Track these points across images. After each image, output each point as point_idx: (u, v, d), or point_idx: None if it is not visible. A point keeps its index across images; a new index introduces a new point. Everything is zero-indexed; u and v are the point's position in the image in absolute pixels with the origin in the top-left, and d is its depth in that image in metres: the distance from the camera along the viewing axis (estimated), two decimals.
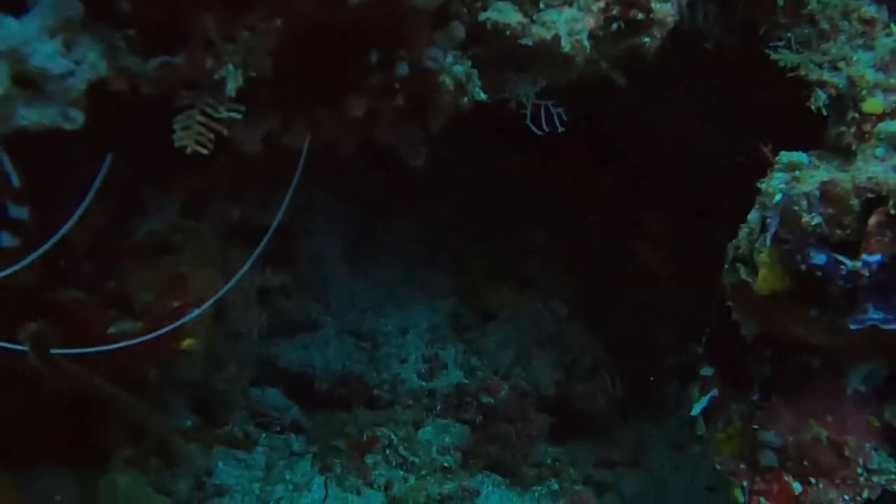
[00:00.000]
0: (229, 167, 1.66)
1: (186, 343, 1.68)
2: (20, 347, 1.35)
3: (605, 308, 3.22)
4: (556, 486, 2.98)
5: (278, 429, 2.75)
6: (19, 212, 1.38)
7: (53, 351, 1.34)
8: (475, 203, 3.14)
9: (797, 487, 2.07)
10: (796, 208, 1.83)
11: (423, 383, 2.90)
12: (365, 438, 2.71)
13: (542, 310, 3.10)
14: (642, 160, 3.05)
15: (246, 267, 1.56)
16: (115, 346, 1.54)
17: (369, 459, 2.70)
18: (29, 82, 1.13)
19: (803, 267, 1.85)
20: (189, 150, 1.25)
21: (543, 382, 2.97)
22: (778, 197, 1.85)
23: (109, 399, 1.59)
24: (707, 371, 2.41)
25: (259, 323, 2.09)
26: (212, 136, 1.26)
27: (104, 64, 1.17)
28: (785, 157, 1.93)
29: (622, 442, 3.16)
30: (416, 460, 2.70)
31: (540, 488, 2.97)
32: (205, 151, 1.25)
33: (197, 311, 1.58)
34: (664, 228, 3.12)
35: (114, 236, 1.61)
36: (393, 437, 2.71)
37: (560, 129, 1.86)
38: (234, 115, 1.27)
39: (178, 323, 1.58)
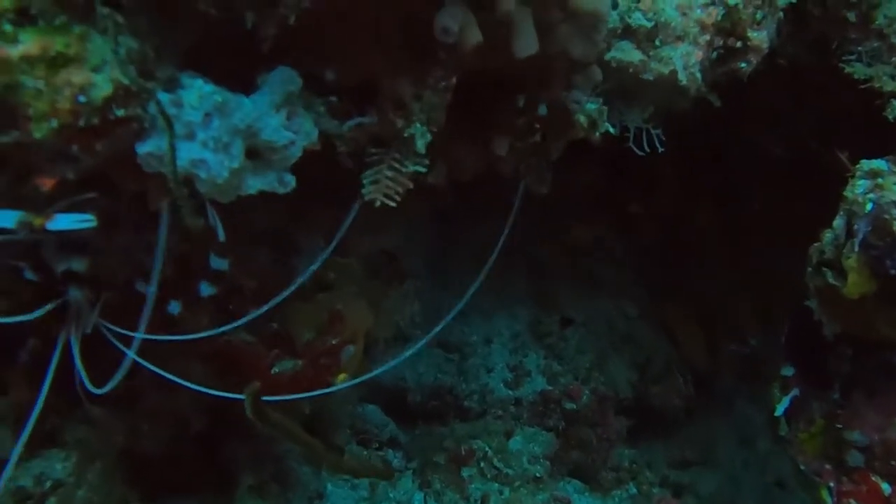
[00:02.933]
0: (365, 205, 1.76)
1: (341, 378, 1.78)
2: (237, 396, 1.45)
3: (669, 306, 3.33)
4: (634, 490, 3.07)
5: (377, 445, 2.83)
6: (220, 263, 1.49)
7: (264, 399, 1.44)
8: (548, 209, 3.24)
9: (886, 488, 2.14)
10: (887, 217, 1.94)
11: (510, 392, 2.99)
12: (463, 452, 2.79)
13: (614, 311, 3.20)
14: (708, 161, 3.15)
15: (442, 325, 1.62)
16: (324, 390, 1.61)
17: (465, 473, 2.79)
18: (256, 153, 1.25)
19: (893, 271, 1.96)
20: (378, 204, 1.37)
21: (620, 385, 3.08)
22: (869, 206, 1.97)
23: (301, 443, 1.69)
24: (788, 371, 2.50)
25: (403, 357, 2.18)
26: (400, 189, 1.37)
27: (316, 132, 1.28)
28: (865, 164, 2.04)
29: (692, 440, 3.26)
30: (510, 472, 2.79)
31: (619, 492, 3.06)
32: (393, 204, 1.37)
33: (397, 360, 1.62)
34: (726, 227, 3.23)
35: (276, 278, 1.71)
36: (487, 449, 2.80)
37: (661, 150, 1.98)
38: (420, 168, 1.39)
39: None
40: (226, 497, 2.28)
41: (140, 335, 1.46)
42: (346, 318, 1.77)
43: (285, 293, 1.54)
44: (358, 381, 1.67)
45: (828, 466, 2.31)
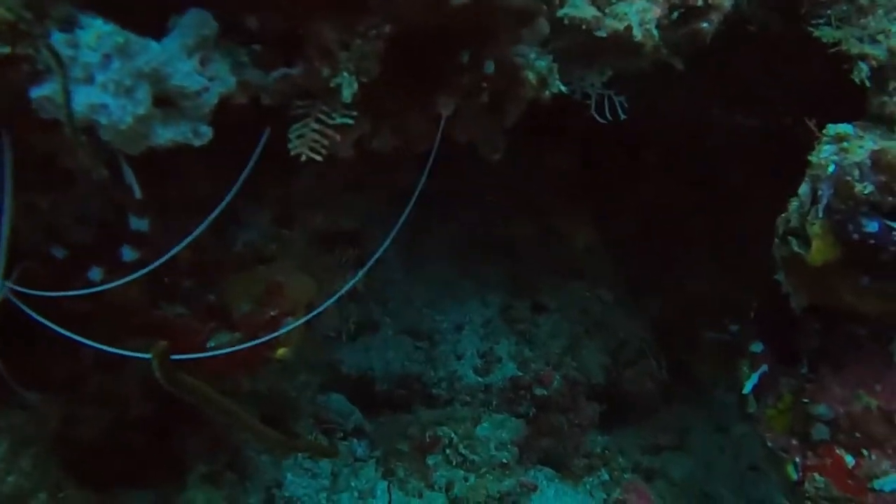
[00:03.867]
0: (315, 175, 1.69)
1: (280, 353, 1.71)
2: (142, 355, 1.37)
3: (647, 292, 3.29)
4: (606, 477, 3.02)
5: (342, 435, 2.76)
6: (140, 224, 1.42)
7: (173, 357, 1.36)
8: (522, 196, 3.20)
9: (850, 460, 2.11)
10: (849, 178, 1.89)
11: (479, 378, 2.94)
12: (427, 439, 2.73)
13: (589, 296, 3.15)
14: (683, 142, 3.12)
15: (358, 277, 1.58)
16: (216, 352, 1.56)
17: (430, 460, 2.73)
18: (166, 101, 1.18)
19: (856, 236, 1.91)
20: (304, 158, 1.30)
21: (593, 370, 3.02)
22: (831, 168, 1.92)
23: (223, 411, 1.61)
24: (757, 347, 2.46)
25: (348, 328, 2.11)
26: (326, 143, 1.31)
27: (233, 79, 1.21)
28: (832, 129, 1.99)
29: (667, 426, 3.22)
30: (476, 458, 2.73)
31: (591, 479, 3.00)
32: (319, 158, 1.30)
33: (299, 321, 1.60)
34: (702, 206, 3.19)
35: (214, 250, 1.64)
36: (453, 435, 2.73)
37: (622, 118, 1.93)
38: (347, 120, 1.32)
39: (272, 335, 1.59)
40: (176, 486, 2.20)
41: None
42: (285, 290, 1.70)
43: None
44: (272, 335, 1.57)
45: (794, 442, 2.28)
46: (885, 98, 2.02)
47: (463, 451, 2.72)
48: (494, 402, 2.89)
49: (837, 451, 2.15)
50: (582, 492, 2.94)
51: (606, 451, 3.06)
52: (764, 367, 2.44)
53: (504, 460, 2.75)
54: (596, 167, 3.32)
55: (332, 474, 2.66)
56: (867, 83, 2.01)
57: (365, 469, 2.71)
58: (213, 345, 1.63)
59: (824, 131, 2.02)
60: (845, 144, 1.98)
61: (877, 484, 2.09)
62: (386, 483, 2.67)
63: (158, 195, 1.40)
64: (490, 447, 2.75)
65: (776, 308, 2.35)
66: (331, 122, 1.31)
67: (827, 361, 2.26)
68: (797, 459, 2.24)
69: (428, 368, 2.95)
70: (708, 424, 3.32)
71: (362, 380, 2.93)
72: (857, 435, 2.12)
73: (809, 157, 2.00)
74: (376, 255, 1.57)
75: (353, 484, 2.66)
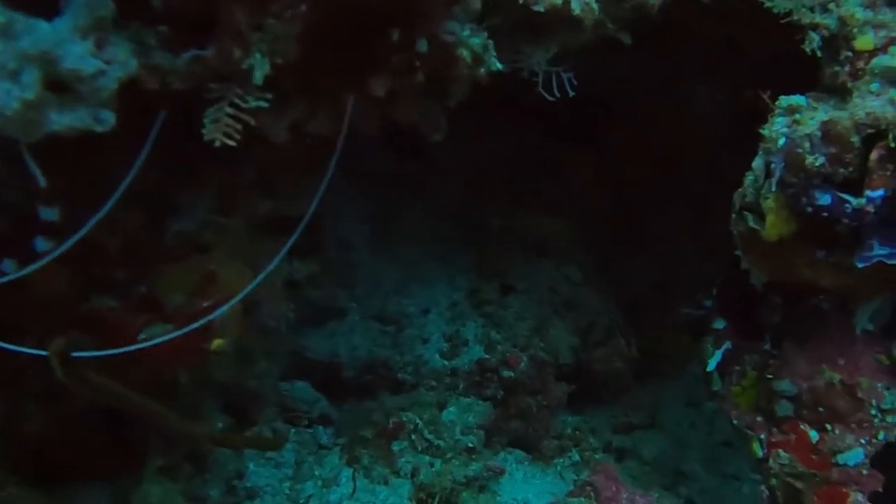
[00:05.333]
0: (259, 161, 1.65)
1: (216, 344, 1.68)
2: (38, 352, 1.32)
3: (617, 269, 3.27)
4: (577, 457, 3.02)
5: (307, 423, 2.74)
6: (49, 213, 1.38)
7: (75, 355, 1.31)
8: (489, 177, 3.17)
9: (814, 436, 2.10)
10: (800, 150, 1.86)
11: (445, 362, 2.91)
12: (391, 425, 2.71)
13: (558, 276, 3.12)
14: (646, 118, 3.09)
15: (275, 263, 1.55)
16: (133, 347, 1.52)
17: (395, 446, 2.71)
18: (62, 86, 1.13)
19: (809, 209, 1.89)
20: (218, 144, 1.26)
21: (561, 350, 3.00)
22: (782, 141, 1.89)
23: (136, 408, 1.58)
24: (719, 324, 2.44)
25: (287, 315, 2.08)
26: (239, 127, 1.27)
27: (134, 62, 1.17)
28: (784, 101, 1.97)
29: (639, 404, 3.21)
30: (442, 443, 2.71)
31: (562, 460, 3.00)
32: (232, 143, 1.26)
33: (221, 310, 1.57)
34: (670, 185, 3.17)
35: (146, 240, 1.60)
36: (418, 421, 2.72)
37: (571, 94, 1.89)
38: (261, 103, 1.28)
39: (198, 323, 1.55)
40: (132, 480, 2.17)
41: None
42: (220, 280, 1.66)
43: None
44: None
45: (759, 419, 2.27)
46: (837, 68, 1.99)
47: (428, 437, 2.71)
48: (461, 386, 2.87)
49: (801, 427, 2.14)
50: (552, 473, 2.94)
51: (577, 432, 3.06)
52: (727, 344, 2.43)
53: (470, 444, 2.73)
54: (565, 145, 3.30)
55: (295, 463, 2.65)
56: (818, 53, 1.98)
57: (329, 457, 2.70)
58: (144, 337, 1.59)
59: (777, 103, 1.99)
60: (797, 116, 1.95)
61: (841, 458, 2.09)
62: (351, 471, 2.66)
63: (73, 184, 1.35)
64: (456, 432, 2.74)
65: (738, 284, 2.33)
66: (245, 105, 1.27)
67: (790, 337, 2.25)
68: (762, 436, 2.24)
69: (394, 353, 2.93)
70: (680, 400, 3.32)
71: (328, 366, 2.91)
72: (821, 410, 2.11)
73: (761, 130, 1.97)
74: (292, 239, 1.52)
75: (316, 472, 2.64)
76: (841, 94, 1.97)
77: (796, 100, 1.98)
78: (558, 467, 2.95)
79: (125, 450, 2.16)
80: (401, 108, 1.63)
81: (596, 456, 2.97)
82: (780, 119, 1.98)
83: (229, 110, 1.27)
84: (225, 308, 1.53)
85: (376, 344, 2.97)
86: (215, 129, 1.26)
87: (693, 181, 3.17)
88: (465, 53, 1.51)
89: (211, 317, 1.62)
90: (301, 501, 2.54)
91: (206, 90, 1.28)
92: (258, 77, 1.24)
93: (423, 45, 1.46)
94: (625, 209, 3.33)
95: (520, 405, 2.91)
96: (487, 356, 2.91)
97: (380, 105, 1.57)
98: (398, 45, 1.44)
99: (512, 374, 2.89)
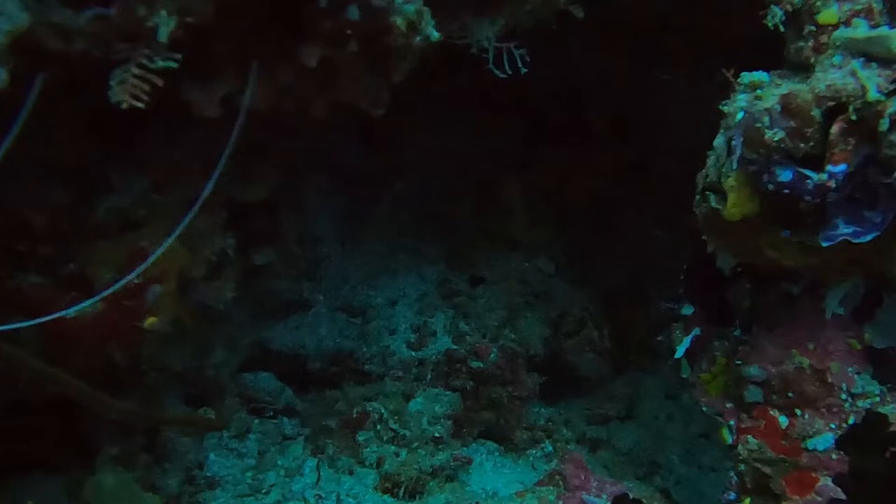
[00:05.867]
0: (200, 140, 1.60)
1: (149, 322, 1.63)
2: None
3: (595, 263, 3.23)
4: (549, 448, 2.97)
5: (272, 414, 2.70)
6: None
7: None
8: (461, 170, 3.13)
9: (783, 421, 2.05)
10: (759, 125, 1.81)
11: (413, 353, 2.88)
12: (355, 415, 2.67)
13: (529, 268, 3.09)
14: (618, 108, 3.05)
15: (180, 228, 1.47)
16: (45, 318, 1.45)
17: (361, 437, 2.67)
18: None
19: (770, 186, 1.83)
20: (125, 106, 1.21)
21: (532, 341, 2.97)
22: (740, 115, 1.84)
23: (56, 383, 1.52)
24: (688, 309, 2.39)
25: (227, 298, 2.03)
26: (146, 87, 1.22)
27: (25, 15, 1.12)
28: (746, 77, 1.91)
29: (616, 396, 3.16)
30: (407, 433, 2.67)
31: (535, 451, 2.96)
32: (140, 105, 1.21)
33: (127, 278, 1.48)
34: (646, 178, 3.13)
35: (72, 216, 1.55)
36: (383, 411, 2.67)
37: (523, 70, 1.83)
38: (170, 63, 1.23)
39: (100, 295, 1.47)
40: (86, 470, 2.12)
41: None
42: (149, 257, 1.61)
43: None
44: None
45: (729, 405, 2.22)
46: (801, 43, 1.93)
47: (394, 426, 2.66)
48: (429, 377, 2.83)
49: (771, 413, 2.09)
50: (524, 464, 2.89)
51: (550, 423, 3.02)
52: (696, 331, 2.38)
53: (437, 434, 2.69)
54: (539, 139, 3.26)
55: (258, 453, 2.60)
56: (781, 28, 1.92)
57: (293, 447, 2.66)
58: (73, 315, 1.54)
59: (739, 79, 1.94)
60: (759, 92, 1.89)
61: (810, 443, 2.04)
62: (315, 461, 2.61)
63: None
64: (423, 422, 2.69)
65: (706, 269, 2.28)
66: (152, 66, 1.23)
67: (760, 322, 2.20)
68: (731, 423, 2.19)
69: (361, 345, 2.90)
70: (658, 393, 3.27)
71: (294, 358, 2.88)
72: (791, 395, 2.06)
73: (721, 107, 1.92)
74: (190, 214, 1.46)
75: (279, 462, 2.60)
76: (806, 70, 1.92)
77: (758, 76, 1.92)
78: (531, 458, 2.91)
79: (77, 440, 2.12)
80: (341, 84, 1.58)
81: (569, 447, 2.93)
82: (741, 96, 1.92)
83: (136, 71, 1.22)
84: (126, 280, 1.46)
85: (343, 336, 2.94)
86: (121, 90, 1.22)
87: (670, 173, 3.13)
88: (398, 21, 1.46)
89: (115, 287, 1.52)
90: (263, 491, 2.50)
91: (114, 51, 1.23)
92: (163, 34, 1.19)
93: (353, 12, 1.41)
94: (601, 202, 3.29)
95: (490, 396, 2.86)
96: (456, 347, 2.87)
97: (318, 80, 1.52)
98: (327, 10, 1.39)
99: (482, 365, 2.85)
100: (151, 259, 1.43)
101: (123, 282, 1.43)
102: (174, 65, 1.24)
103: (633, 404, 3.20)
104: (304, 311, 2.95)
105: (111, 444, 2.18)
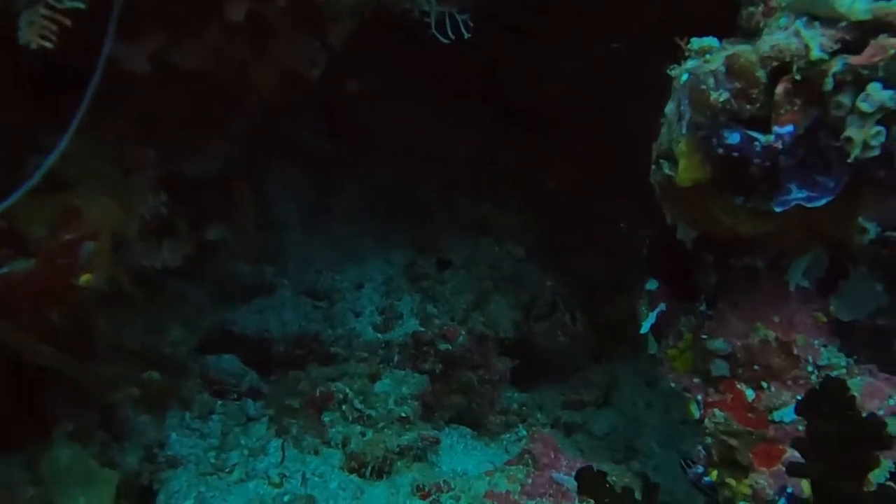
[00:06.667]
0: (141, 107, 1.60)
1: (84, 278, 1.62)
2: None
3: (573, 250, 3.21)
4: (524, 433, 2.94)
5: (236, 396, 2.69)
6: None
7: None
8: (431, 154, 3.12)
9: (750, 394, 2.03)
10: (704, 87, 1.79)
11: (379, 335, 2.85)
12: (318, 395, 2.65)
13: (500, 252, 3.07)
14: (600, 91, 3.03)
15: (36, 177, 1.42)
16: None
17: (326, 417, 2.64)
18: None
19: (720, 150, 1.82)
20: (34, 46, 1.21)
21: (502, 324, 2.94)
22: (684, 77, 1.82)
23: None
24: (652, 284, 2.37)
25: (166, 262, 2.02)
26: (55, 27, 1.22)
27: None
28: (696, 43, 1.89)
29: (592, 383, 3.12)
30: (373, 413, 2.64)
31: (508, 436, 2.92)
32: (49, 45, 1.21)
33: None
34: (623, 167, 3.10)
35: (5, 174, 1.55)
36: (348, 391, 2.65)
37: (466, 36, 1.82)
38: (77, 4, 1.23)
39: None
40: (43, 447, 2.11)
41: None
42: (83, 214, 1.61)
43: None
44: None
45: (696, 380, 2.20)
46: (752, 8, 1.92)
47: (359, 406, 2.63)
48: (395, 359, 2.81)
49: (738, 386, 2.07)
50: (496, 447, 2.86)
51: (524, 408, 2.99)
52: (662, 306, 2.35)
53: (404, 414, 2.66)
54: (513, 124, 3.24)
55: (221, 434, 2.58)
56: None
57: (256, 427, 2.64)
58: (6, 271, 1.54)
59: (688, 45, 1.92)
60: (708, 56, 1.88)
61: (777, 415, 2.02)
62: (280, 441, 2.59)
63: None
64: (389, 402, 2.67)
65: (669, 243, 2.26)
66: (59, 6, 1.23)
67: (724, 296, 2.17)
68: (699, 397, 2.16)
69: (326, 327, 2.88)
70: (636, 380, 3.23)
71: (258, 342, 2.86)
72: (756, 368, 2.04)
73: (668, 71, 1.90)
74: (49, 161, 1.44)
75: (243, 442, 2.58)
76: (757, 35, 1.90)
77: (708, 41, 1.91)
78: (504, 442, 2.88)
79: (33, 416, 2.11)
80: (275, 45, 1.57)
81: (543, 430, 2.88)
82: (691, 62, 1.91)
83: (44, 11, 1.22)
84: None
85: (308, 319, 2.92)
86: (30, 31, 1.22)
87: (647, 162, 3.10)
88: None
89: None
90: (226, 470, 2.48)
91: None
92: None
93: None
94: (578, 190, 3.26)
95: (461, 379, 2.84)
96: (423, 329, 2.85)
97: (251, 40, 1.52)
98: None
99: (450, 348, 2.82)
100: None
101: None
102: (82, 5, 1.24)
103: (610, 391, 3.16)
104: (268, 294, 2.94)
105: (67, 420, 2.17)
